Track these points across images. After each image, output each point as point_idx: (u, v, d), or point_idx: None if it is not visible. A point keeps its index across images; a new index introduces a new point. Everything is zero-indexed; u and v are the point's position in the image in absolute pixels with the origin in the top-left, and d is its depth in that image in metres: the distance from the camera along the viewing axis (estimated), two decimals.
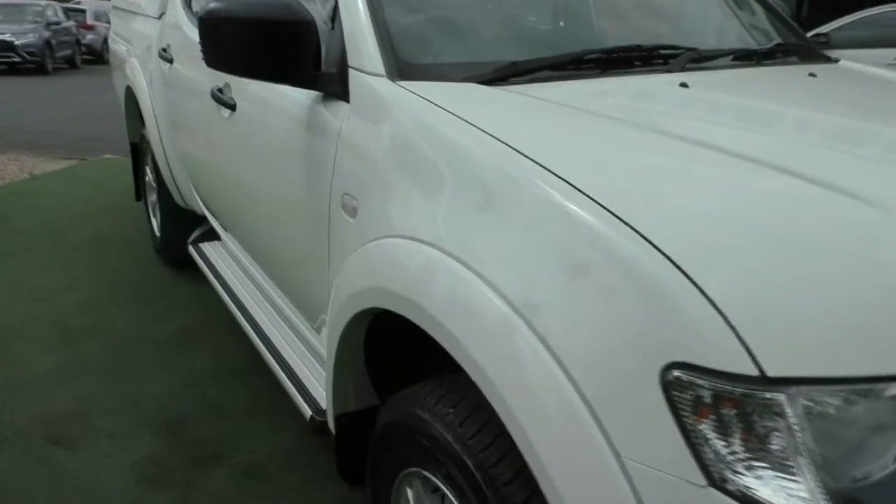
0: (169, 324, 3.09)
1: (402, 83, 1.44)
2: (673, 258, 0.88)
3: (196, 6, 2.78)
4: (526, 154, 1.10)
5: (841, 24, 8.23)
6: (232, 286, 2.58)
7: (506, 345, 1.00)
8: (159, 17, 3.15)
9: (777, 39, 1.99)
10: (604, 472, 0.87)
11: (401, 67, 1.49)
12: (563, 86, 1.46)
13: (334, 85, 1.58)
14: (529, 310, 0.99)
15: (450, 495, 1.23)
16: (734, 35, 1.98)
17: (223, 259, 2.83)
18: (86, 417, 2.43)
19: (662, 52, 1.69)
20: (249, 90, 2.02)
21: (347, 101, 1.54)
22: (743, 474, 0.80)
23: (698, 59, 1.70)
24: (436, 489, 1.31)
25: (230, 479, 2.14)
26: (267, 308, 2.33)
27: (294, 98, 1.74)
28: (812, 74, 1.72)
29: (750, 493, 0.79)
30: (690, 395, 0.82)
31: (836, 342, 0.81)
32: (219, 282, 2.67)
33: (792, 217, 0.96)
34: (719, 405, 0.81)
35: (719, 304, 0.83)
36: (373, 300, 1.32)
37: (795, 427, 0.78)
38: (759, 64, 1.79)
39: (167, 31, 2.96)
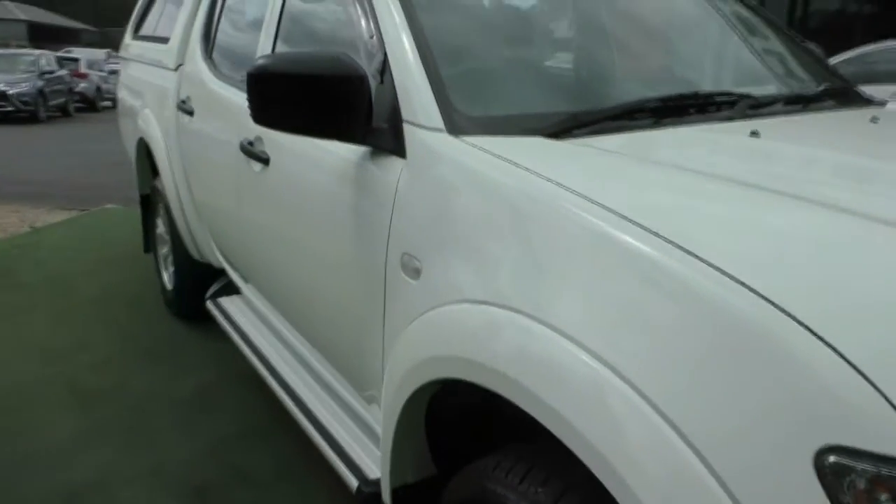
0: (187, 382, 2.98)
1: (466, 138, 1.38)
2: (808, 324, 0.81)
3: (217, 58, 2.74)
4: (628, 216, 1.03)
5: (836, 61, 8.38)
6: (257, 343, 2.48)
7: (624, 420, 0.92)
8: (176, 69, 3.11)
9: (820, 82, 1.96)
10: None
11: (460, 121, 1.43)
12: (634, 138, 1.41)
13: (387, 140, 1.52)
14: (641, 381, 0.92)
15: None
16: (781, 79, 1.95)
17: (245, 315, 2.74)
18: (107, 488, 2.30)
19: (717, 98, 1.65)
20: (285, 144, 1.96)
21: (402, 156, 1.48)
22: None
23: (755, 106, 1.66)
24: None
25: None
26: (298, 368, 2.24)
27: (338, 153, 1.68)
28: (874, 119, 1.68)
29: None
30: (852, 481, 0.75)
31: None
32: (242, 339, 2.57)
33: None
34: (885, 492, 0.74)
35: (871, 377, 0.76)
36: (448, 371, 1.24)
37: None
38: (814, 109, 1.76)
39: (186, 83, 2.91)
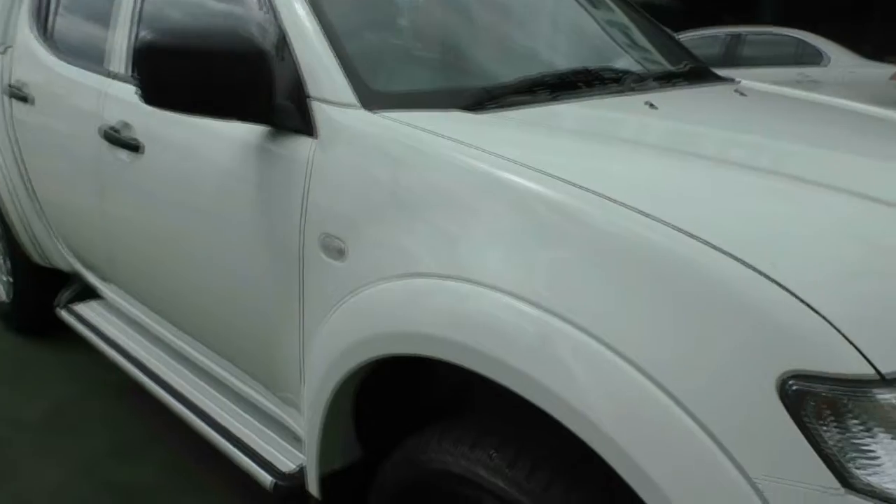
0: (41, 402, 2.67)
1: (384, 113, 1.36)
2: (760, 269, 0.90)
3: (60, 39, 2.46)
4: (574, 182, 1.08)
5: None
6: (130, 350, 2.28)
7: (573, 358, 0.97)
8: None
9: (682, 61, 2.14)
10: (734, 494, 0.85)
11: (374, 97, 1.41)
12: (547, 110, 1.46)
13: (292, 119, 1.46)
14: (582, 319, 0.98)
15: None
16: (652, 58, 2.10)
17: (109, 321, 2.50)
18: None
19: (606, 74, 1.75)
20: (163, 128, 1.81)
21: (312, 134, 1.43)
22: (874, 472, 0.82)
23: (637, 80, 1.78)
24: None
25: None
26: (184, 372, 2.08)
27: (231, 134, 1.59)
28: (740, 93, 1.87)
29: (885, 491, 0.81)
30: (812, 403, 0.84)
31: None
32: (111, 346, 2.34)
33: (853, 222, 1.03)
34: (841, 409, 0.83)
35: (822, 311, 0.85)
36: (388, 348, 1.22)
37: None
38: (685, 84, 1.92)
39: (19, 67, 2.59)
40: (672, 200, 1.06)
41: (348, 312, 1.32)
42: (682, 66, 2.04)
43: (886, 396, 0.82)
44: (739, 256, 0.91)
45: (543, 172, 1.11)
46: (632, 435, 0.92)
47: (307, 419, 1.48)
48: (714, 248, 0.92)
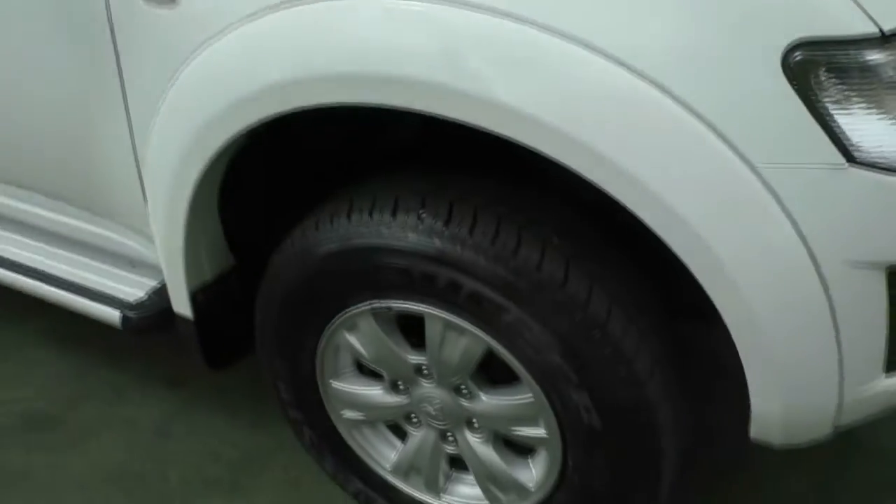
0: None
1: None
2: None
3: None
4: None
5: None
6: None
7: (560, 73, 0.79)
8: None
9: None
10: (737, 185, 0.77)
11: None
12: None
13: None
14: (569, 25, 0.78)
15: (441, 314, 1.02)
16: None
17: None
18: None
19: None
20: None
21: None
22: (878, 141, 0.76)
23: None
24: (405, 317, 1.09)
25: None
26: None
27: None
28: None
29: (889, 160, 0.76)
30: (816, 72, 0.74)
31: None
32: None
33: None
34: (845, 74, 0.74)
35: None
36: (277, 104, 0.95)
37: None
38: None
39: None
40: None
41: (196, 77, 1.01)
42: None
43: (888, 55, 0.74)
44: None
45: None
46: (612, 136, 0.78)
47: (162, 231, 1.20)
48: None
